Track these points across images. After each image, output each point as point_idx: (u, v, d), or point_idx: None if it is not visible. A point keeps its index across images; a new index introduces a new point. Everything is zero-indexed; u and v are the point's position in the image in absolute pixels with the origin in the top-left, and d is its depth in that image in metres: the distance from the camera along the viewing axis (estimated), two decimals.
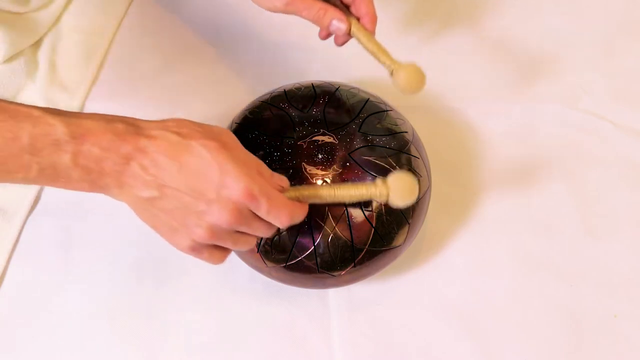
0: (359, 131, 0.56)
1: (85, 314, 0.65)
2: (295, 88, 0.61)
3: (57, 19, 0.78)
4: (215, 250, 0.46)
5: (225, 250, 0.47)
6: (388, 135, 0.57)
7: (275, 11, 0.56)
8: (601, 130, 0.74)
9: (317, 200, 0.48)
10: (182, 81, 0.78)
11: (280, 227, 0.46)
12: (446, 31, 0.81)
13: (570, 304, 0.65)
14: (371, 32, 0.57)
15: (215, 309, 0.65)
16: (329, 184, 0.48)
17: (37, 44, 0.77)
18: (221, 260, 0.47)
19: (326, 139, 0.56)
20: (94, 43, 0.79)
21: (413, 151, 0.58)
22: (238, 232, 0.45)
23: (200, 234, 0.43)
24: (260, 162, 0.46)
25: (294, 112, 0.58)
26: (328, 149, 0.55)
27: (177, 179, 0.42)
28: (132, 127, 0.42)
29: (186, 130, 0.43)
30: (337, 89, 0.60)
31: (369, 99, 0.60)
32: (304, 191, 0.48)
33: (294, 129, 0.57)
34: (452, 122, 0.75)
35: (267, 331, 0.63)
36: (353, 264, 0.55)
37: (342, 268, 0.55)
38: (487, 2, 0.84)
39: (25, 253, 0.67)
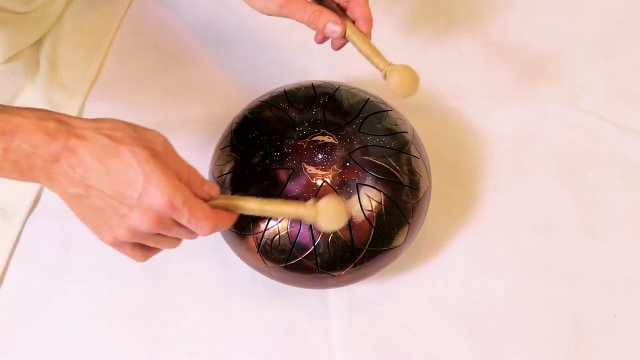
0: (359, 131, 0.56)
1: (85, 314, 0.65)
2: (295, 88, 0.61)
3: (58, 19, 0.78)
4: (138, 248, 0.48)
5: (150, 249, 0.48)
6: (388, 135, 0.57)
7: (269, 14, 0.56)
8: (601, 130, 0.74)
9: (245, 212, 0.48)
10: (182, 81, 0.78)
11: (203, 235, 0.47)
12: (447, 31, 0.81)
13: (570, 304, 0.65)
14: (366, 35, 0.56)
15: (215, 309, 0.65)
16: (259, 199, 0.48)
17: (37, 44, 0.77)
18: (144, 258, 0.49)
19: (326, 139, 0.56)
20: (94, 43, 0.79)
21: (413, 151, 0.58)
22: (159, 234, 0.46)
23: (121, 234, 0.45)
24: (193, 170, 0.47)
25: (294, 112, 0.58)
26: (328, 149, 0.55)
27: (103, 181, 0.43)
28: (64, 125, 0.43)
29: (119, 134, 0.44)
30: (337, 89, 0.60)
31: (369, 99, 0.60)
32: (233, 201, 0.48)
33: (294, 129, 0.57)
34: (452, 122, 0.75)
35: (267, 331, 0.63)
36: (353, 264, 0.55)
37: (342, 268, 0.55)
38: (487, 3, 0.84)
39: (25, 253, 0.67)
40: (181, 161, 0.46)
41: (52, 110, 0.72)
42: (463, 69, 0.78)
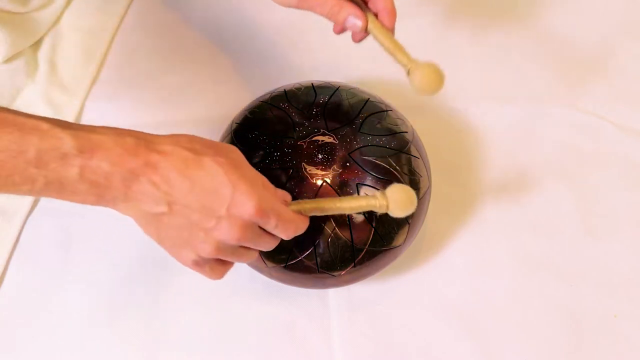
0: (359, 131, 0.56)
1: (85, 314, 0.65)
2: (295, 88, 0.61)
3: (57, 19, 0.78)
4: (216, 264, 0.46)
5: (226, 264, 0.48)
6: (388, 135, 0.57)
7: (288, 6, 0.54)
8: (601, 130, 0.74)
9: (318, 213, 0.49)
10: (182, 81, 0.78)
11: (287, 239, 0.47)
12: (446, 31, 0.81)
13: (570, 304, 0.65)
14: (389, 29, 0.54)
15: (215, 309, 0.65)
16: (330, 197, 0.49)
17: (37, 44, 0.77)
18: (221, 274, 0.47)
19: (326, 139, 0.56)
20: (94, 43, 0.79)
21: (413, 151, 0.58)
22: (242, 246, 0.45)
23: (206, 250, 0.43)
24: (264, 177, 0.46)
25: (294, 112, 0.58)
26: (328, 149, 0.55)
27: (188, 196, 0.41)
28: (143, 141, 0.41)
29: (198, 146, 0.43)
30: (337, 89, 0.60)
31: (369, 99, 0.60)
32: (306, 205, 0.48)
33: (294, 129, 0.57)
34: (452, 122, 0.75)
35: (267, 331, 0.63)
36: (353, 264, 0.55)
37: (342, 268, 0.55)
38: (487, 3, 0.84)
39: (25, 253, 0.67)
40: (254, 171, 0.46)
41: (53, 109, 0.72)
42: (463, 69, 0.78)
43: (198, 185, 0.41)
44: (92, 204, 0.42)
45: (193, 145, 0.43)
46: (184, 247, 0.44)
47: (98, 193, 0.41)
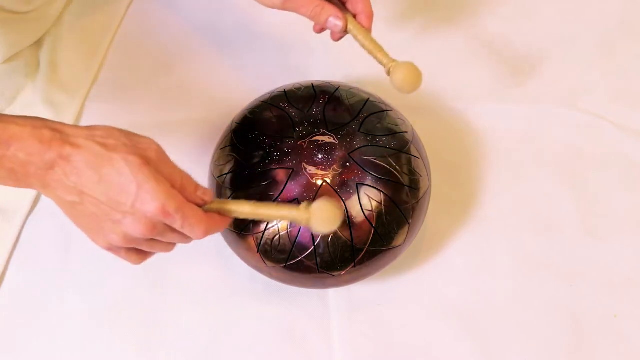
0: (359, 131, 0.56)
1: (85, 314, 0.65)
2: (295, 88, 0.61)
3: (58, 19, 0.78)
4: (133, 252, 0.49)
5: (144, 253, 0.49)
6: (388, 135, 0.57)
7: (273, 8, 0.57)
8: (601, 130, 0.74)
9: (238, 216, 0.49)
10: (182, 81, 0.78)
11: (197, 239, 0.48)
12: (446, 31, 0.81)
13: (570, 304, 0.65)
14: (367, 30, 0.58)
15: (215, 309, 0.65)
16: (253, 202, 0.49)
17: (37, 44, 0.77)
18: (140, 261, 0.50)
19: (326, 139, 0.56)
20: (94, 43, 0.79)
21: (413, 151, 0.58)
22: (153, 239, 0.47)
23: (115, 239, 0.46)
24: (187, 175, 0.47)
25: (294, 112, 0.58)
26: (328, 149, 0.55)
27: (96, 189, 0.43)
28: (58, 133, 0.44)
29: (112, 141, 0.44)
30: (337, 89, 0.60)
31: (369, 99, 0.60)
32: (226, 205, 0.48)
33: (294, 129, 0.57)
34: (452, 122, 0.75)
35: (267, 331, 0.63)
36: (353, 264, 0.55)
37: (342, 268, 0.55)
38: (487, 2, 0.84)
39: (25, 253, 0.67)
40: (174, 167, 0.47)
41: (53, 109, 0.72)
42: (463, 69, 0.78)
43: (105, 179, 0.43)
44: (13, 186, 0.45)
45: (107, 140, 0.44)
46: (97, 234, 0.47)
47: (16, 179, 0.44)
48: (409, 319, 0.64)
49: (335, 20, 0.56)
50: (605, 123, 0.75)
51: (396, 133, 0.58)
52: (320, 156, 0.55)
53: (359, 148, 0.55)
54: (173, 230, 0.46)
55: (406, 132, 0.59)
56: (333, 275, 0.56)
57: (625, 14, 0.83)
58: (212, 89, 0.77)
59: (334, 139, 0.56)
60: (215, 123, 0.73)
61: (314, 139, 0.56)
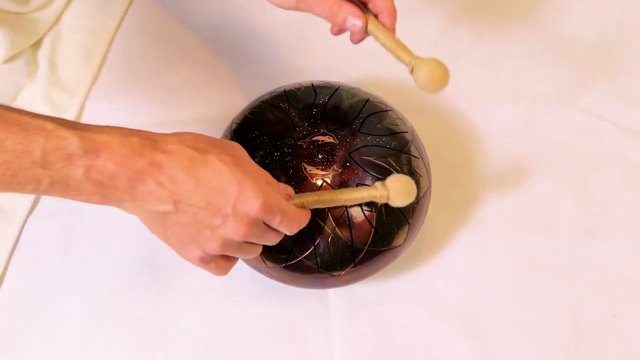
0: (359, 131, 0.56)
1: (85, 314, 0.65)
2: (295, 88, 0.61)
3: (57, 19, 0.78)
4: (221, 260, 0.47)
5: (231, 260, 0.48)
6: (388, 135, 0.57)
7: (286, 8, 0.53)
8: (601, 130, 0.74)
9: (320, 205, 0.50)
10: (182, 81, 0.78)
11: (291, 234, 0.48)
12: (446, 31, 0.81)
13: (570, 304, 0.65)
14: (390, 29, 0.53)
15: (215, 309, 0.65)
16: (331, 190, 0.49)
17: (37, 44, 0.77)
18: (227, 270, 0.48)
19: (326, 139, 0.56)
20: (94, 43, 0.79)
21: (413, 151, 0.58)
22: (247, 242, 0.46)
23: (213, 247, 0.44)
24: (267, 173, 0.47)
25: (294, 112, 0.58)
26: (328, 149, 0.55)
27: (194, 194, 0.41)
28: (149, 141, 0.41)
29: (203, 145, 0.43)
30: (337, 89, 0.60)
31: (369, 99, 0.60)
32: (308, 197, 0.49)
33: (294, 129, 0.57)
34: (452, 122, 0.75)
35: (267, 331, 0.63)
36: (353, 264, 0.55)
37: (342, 268, 0.55)
38: (487, 3, 0.84)
39: (25, 253, 0.67)
40: (257, 166, 0.46)
41: (53, 109, 0.72)
42: (463, 69, 0.78)
43: (204, 183, 0.41)
44: (98, 203, 0.42)
45: (197, 143, 0.43)
46: (190, 245, 0.44)
47: (103, 193, 0.41)
48: (409, 319, 0.64)
49: (354, 19, 0.51)
50: (605, 123, 0.75)
51: (396, 133, 0.58)
52: (320, 156, 0.55)
53: (359, 148, 0.55)
54: (269, 228, 0.45)
55: (406, 132, 0.59)
56: (333, 275, 0.56)
57: (625, 14, 0.83)
58: (212, 89, 0.77)
59: (334, 139, 0.56)
60: (215, 123, 0.73)
61: (314, 139, 0.56)
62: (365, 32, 0.54)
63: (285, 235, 0.54)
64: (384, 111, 0.59)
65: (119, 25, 0.81)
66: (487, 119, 0.75)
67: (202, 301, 0.65)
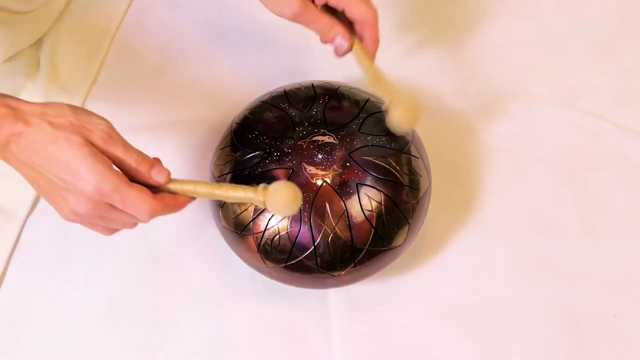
0: (359, 131, 0.56)
1: (85, 314, 0.65)
2: (295, 88, 0.61)
3: (58, 19, 0.78)
4: (94, 225, 0.50)
5: (107, 229, 0.51)
6: (388, 135, 0.57)
7: (282, 17, 0.57)
8: (601, 130, 0.74)
9: (196, 195, 0.49)
10: (182, 81, 0.78)
11: (143, 220, 0.48)
12: (446, 31, 0.81)
13: (570, 304, 0.65)
14: (372, 55, 0.58)
15: (215, 309, 0.65)
16: (210, 183, 0.49)
17: (38, 44, 0.77)
18: (106, 233, 0.51)
19: (326, 139, 0.56)
20: (94, 43, 0.79)
21: (413, 151, 0.58)
22: (107, 217, 0.48)
23: (67, 215, 0.48)
24: (140, 157, 0.48)
25: (294, 112, 0.58)
26: (328, 149, 0.55)
27: (45, 165, 0.46)
28: (13, 111, 0.46)
29: (60, 120, 0.46)
30: (337, 89, 0.60)
31: (369, 99, 0.60)
32: (183, 186, 0.49)
33: (294, 129, 0.57)
34: (453, 122, 0.75)
35: (267, 331, 0.63)
36: (353, 264, 0.55)
37: (342, 268, 0.55)
38: (487, 3, 0.84)
39: (25, 253, 0.67)
40: (125, 148, 0.47)
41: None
42: (463, 69, 0.78)
43: (51, 157, 0.45)
44: None
45: (57, 119, 0.46)
46: (55, 205, 0.48)
47: None
48: (409, 319, 0.64)
49: (341, 40, 0.57)
50: (605, 123, 0.75)
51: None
52: (320, 156, 0.55)
53: (359, 148, 0.55)
54: (117, 209, 0.47)
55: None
56: (333, 275, 0.56)
57: (625, 14, 0.83)
58: (212, 89, 0.77)
59: (334, 139, 0.56)
60: (215, 123, 0.73)
61: (314, 139, 0.56)
62: (349, 51, 0.58)
63: (285, 235, 0.54)
64: (384, 111, 0.59)
65: (119, 25, 0.81)
66: (487, 119, 0.75)
67: (202, 301, 0.65)
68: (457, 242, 0.68)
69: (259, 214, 0.54)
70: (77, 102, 0.75)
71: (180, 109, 0.76)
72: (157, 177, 0.48)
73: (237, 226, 0.56)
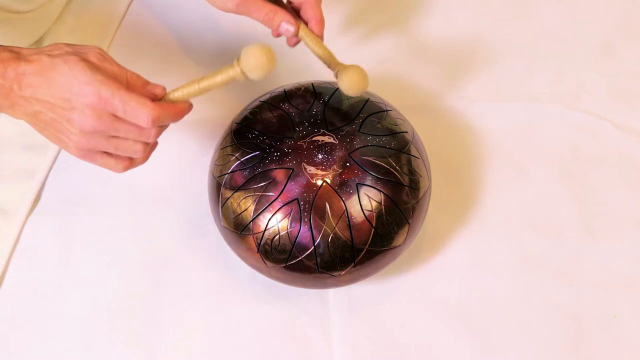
0: (359, 131, 0.56)
1: (85, 314, 0.65)
2: (295, 88, 0.61)
3: (58, 19, 0.78)
4: (107, 156, 0.51)
5: (122, 158, 0.52)
6: (388, 135, 0.57)
7: (226, 11, 0.59)
8: (601, 130, 0.74)
9: (190, 96, 0.51)
10: (182, 81, 0.77)
11: (146, 126, 0.49)
12: (446, 31, 0.81)
13: (570, 304, 0.65)
14: (319, 36, 0.59)
15: (215, 309, 0.65)
16: (195, 79, 0.52)
17: (37, 44, 0.77)
18: (119, 167, 0.52)
19: (326, 139, 0.56)
20: (94, 43, 0.78)
21: (413, 151, 0.58)
22: (114, 137, 0.50)
23: (76, 140, 0.49)
24: (134, 74, 0.50)
25: (294, 112, 0.58)
26: (328, 149, 0.55)
27: (47, 93, 0.48)
28: (15, 54, 0.49)
29: (57, 51, 0.49)
30: (337, 89, 0.60)
31: (369, 99, 0.60)
32: (176, 93, 0.51)
33: (294, 129, 0.57)
34: (452, 122, 0.75)
35: (267, 331, 0.63)
36: (353, 264, 0.55)
37: (342, 268, 0.55)
38: (486, 3, 0.84)
39: (25, 253, 0.67)
40: (119, 66, 0.50)
41: None
42: (463, 69, 0.78)
43: (52, 82, 0.47)
44: None
45: (52, 51, 0.49)
46: (63, 140, 0.50)
47: None
48: (408, 319, 0.64)
49: (287, 25, 0.57)
50: (605, 123, 0.75)
51: (396, 133, 0.58)
52: (320, 156, 0.55)
53: (359, 148, 0.55)
54: (121, 119, 0.48)
55: (406, 132, 0.59)
56: (333, 275, 0.56)
57: (625, 14, 0.83)
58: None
59: (334, 139, 0.56)
60: (215, 123, 0.73)
61: (314, 139, 0.56)
62: (298, 37, 0.59)
63: (285, 235, 0.54)
64: (384, 111, 0.59)
65: (119, 25, 0.81)
66: (487, 119, 0.75)
67: (202, 301, 0.65)
68: (457, 242, 0.68)
69: (259, 214, 0.55)
70: None
71: None
72: (153, 89, 0.50)
73: (237, 226, 0.56)
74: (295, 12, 0.59)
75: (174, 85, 0.77)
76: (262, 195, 0.54)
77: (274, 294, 0.65)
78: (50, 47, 0.50)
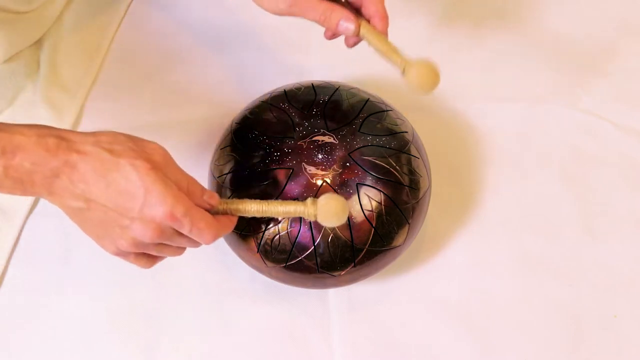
0: (359, 131, 0.56)
1: (85, 314, 0.65)
2: (295, 88, 0.61)
3: (58, 19, 0.78)
4: (142, 256, 0.49)
5: (153, 257, 0.49)
6: (388, 135, 0.57)
7: (279, 14, 0.55)
8: (601, 130, 0.74)
9: (246, 215, 0.50)
10: (182, 81, 0.78)
11: (206, 244, 0.48)
12: (446, 31, 0.81)
13: (570, 304, 0.65)
14: (382, 33, 0.54)
15: (215, 309, 0.65)
16: (258, 200, 0.49)
17: (38, 44, 0.77)
18: (148, 265, 0.50)
19: (326, 139, 0.56)
20: (94, 43, 0.79)
21: (413, 151, 0.58)
22: (164, 245, 0.47)
23: (123, 245, 0.46)
24: (192, 179, 0.47)
25: (294, 112, 0.58)
26: (328, 149, 0.55)
27: (104, 195, 0.44)
28: (64, 141, 0.44)
29: (118, 147, 0.44)
30: (337, 89, 0.60)
31: (369, 99, 0.60)
32: (233, 205, 0.49)
33: (294, 129, 0.57)
34: (452, 122, 0.75)
35: (267, 331, 0.63)
36: (353, 264, 0.55)
37: (342, 268, 0.55)
38: (486, 3, 0.84)
39: (26, 253, 0.67)
40: (181, 172, 0.47)
41: (53, 110, 0.72)
42: (463, 69, 0.78)
43: (113, 186, 0.43)
44: (20, 195, 0.45)
45: (113, 146, 0.44)
46: (104, 239, 0.47)
47: (23, 188, 0.44)
48: (408, 319, 0.64)
49: (346, 23, 0.53)
50: (605, 123, 0.75)
51: (396, 133, 0.58)
52: (320, 156, 0.55)
53: (359, 148, 0.55)
54: (181, 234, 0.46)
55: (406, 132, 0.59)
56: (333, 275, 0.56)
57: (625, 14, 0.83)
58: (212, 89, 0.77)
59: (334, 139, 0.56)
60: (215, 123, 0.73)
61: (314, 139, 0.56)
62: (359, 36, 0.54)
63: (285, 235, 0.54)
64: (384, 111, 0.59)
65: (118, 25, 0.81)
66: (487, 119, 0.75)
67: (202, 301, 0.65)
68: (457, 242, 0.68)
69: None
70: (77, 102, 0.75)
71: (180, 109, 0.76)
72: (210, 200, 0.48)
73: (237, 226, 0.56)
74: (355, 10, 0.54)
75: (174, 84, 0.78)
76: (262, 195, 0.54)
77: (274, 294, 0.65)
78: (107, 136, 0.45)
